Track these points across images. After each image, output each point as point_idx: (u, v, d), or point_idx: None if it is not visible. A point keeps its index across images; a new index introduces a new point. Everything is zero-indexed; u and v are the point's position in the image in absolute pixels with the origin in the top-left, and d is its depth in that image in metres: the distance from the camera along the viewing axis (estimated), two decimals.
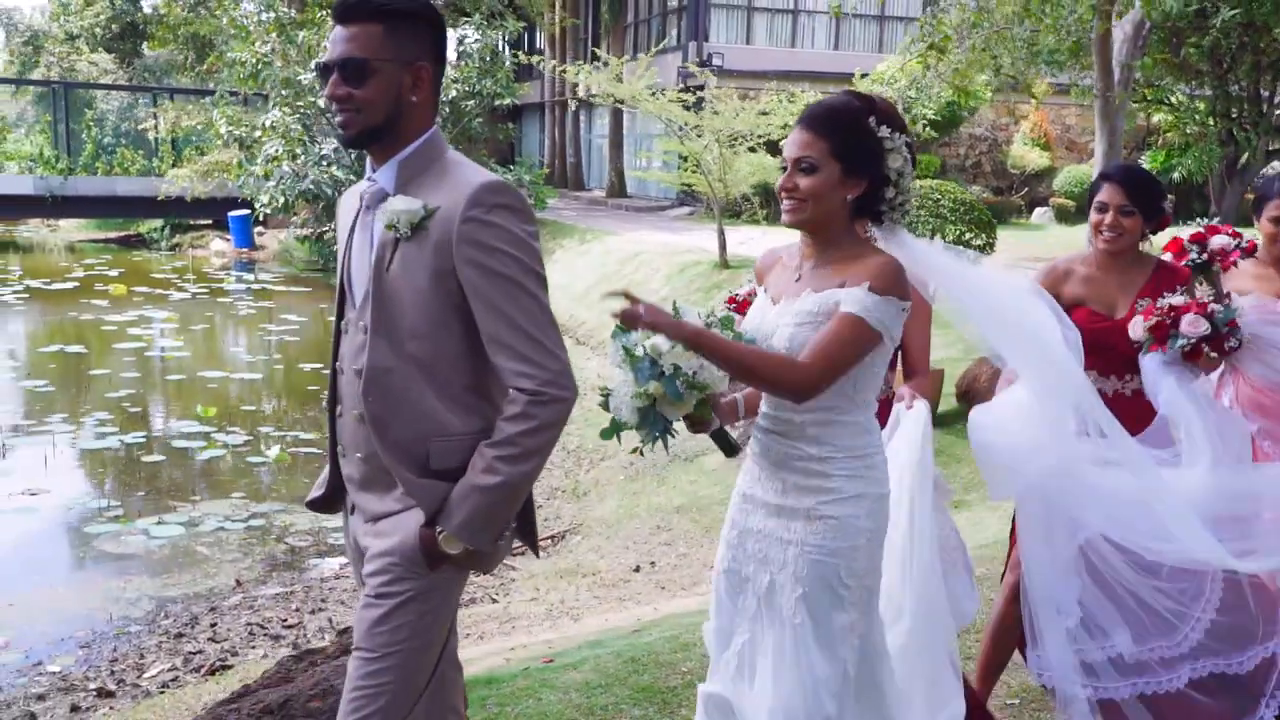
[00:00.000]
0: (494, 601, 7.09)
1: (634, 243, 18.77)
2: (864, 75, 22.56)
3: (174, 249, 29.89)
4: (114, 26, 34.76)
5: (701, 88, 19.19)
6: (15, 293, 20.85)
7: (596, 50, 21.16)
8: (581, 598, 6.87)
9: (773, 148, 19.09)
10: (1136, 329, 3.44)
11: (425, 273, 2.32)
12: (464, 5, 23.64)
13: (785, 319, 2.60)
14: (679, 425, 2.60)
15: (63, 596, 7.47)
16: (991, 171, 25.88)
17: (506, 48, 28.75)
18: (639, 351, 2.49)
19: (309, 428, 11.62)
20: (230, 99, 22.67)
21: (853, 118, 2.59)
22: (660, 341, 2.49)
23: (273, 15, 20.59)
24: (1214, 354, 3.42)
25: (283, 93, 20.26)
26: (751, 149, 16.62)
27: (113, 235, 32.69)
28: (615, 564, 7.52)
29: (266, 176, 20.05)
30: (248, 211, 24.71)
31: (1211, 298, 3.48)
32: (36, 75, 35.67)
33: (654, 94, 16.37)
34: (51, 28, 36.98)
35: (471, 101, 21.34)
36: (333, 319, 2.54)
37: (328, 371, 2.59)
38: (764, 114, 16.57)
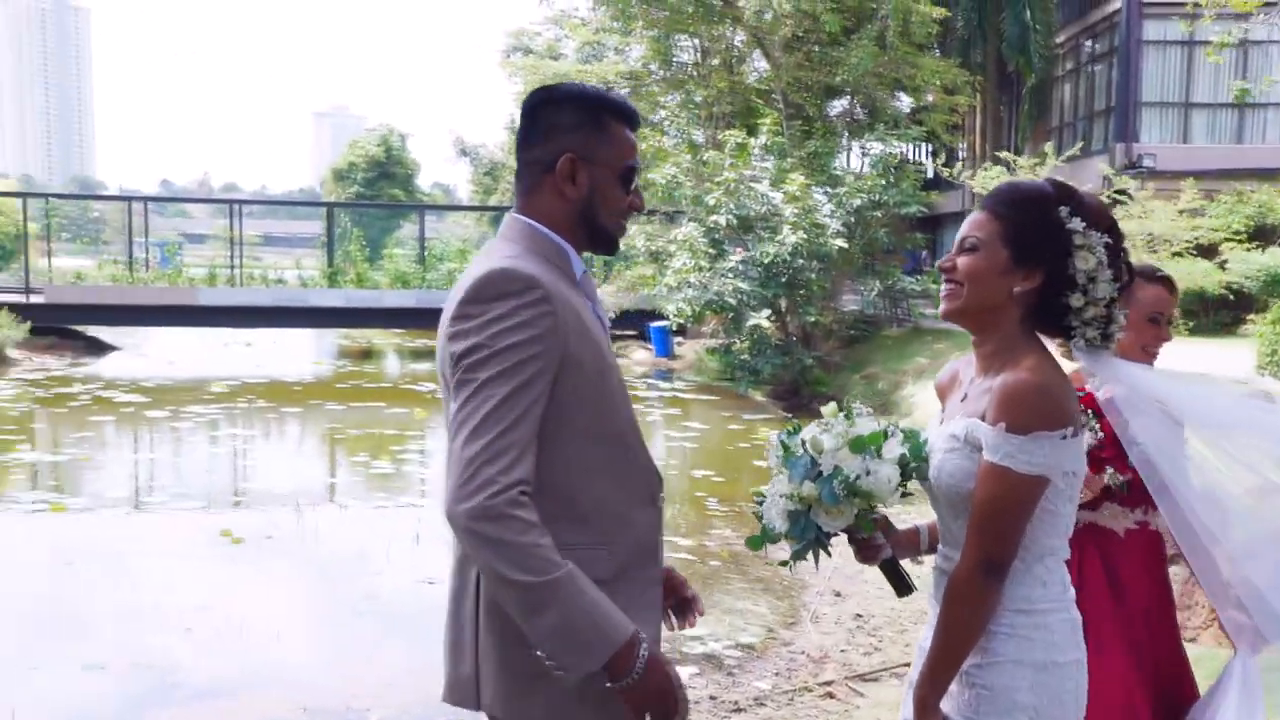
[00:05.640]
0: None
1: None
2: None
3: None
4: None
5: (1124, 191, 17.94)
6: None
7: (1013, 155, 20.41)
8: None
9: (1206, 252, 17.43)
10: None
11: None
12: (870, 119, 23.84)
13: (938, 443, 2.18)
14: (841, 544, 2.23)
15: None
16: None
17: (929, 159, 28.44)
18: (797, 447, 2.18)
19: (691, 533, 11.73)
20: (649, 217, 24.10)
21: (1037, 202, 2.17)
22: (823, 437, 2.15)
23: (687, 139, 21.75)
24: None
25: (692, 209, 21.26)
26: (1177, 254, 15.23)
27: None
28: None
29: (677, 288, 20.97)
30: (667, 322, 25.91)
31: None
32: (493, 201, 39.90)
33: None
34: (509, 159, 41.40)
35: (878, 212, 21.18)
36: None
37: (661, 498, 2.35)
38: (1195, 214, 15.17)
